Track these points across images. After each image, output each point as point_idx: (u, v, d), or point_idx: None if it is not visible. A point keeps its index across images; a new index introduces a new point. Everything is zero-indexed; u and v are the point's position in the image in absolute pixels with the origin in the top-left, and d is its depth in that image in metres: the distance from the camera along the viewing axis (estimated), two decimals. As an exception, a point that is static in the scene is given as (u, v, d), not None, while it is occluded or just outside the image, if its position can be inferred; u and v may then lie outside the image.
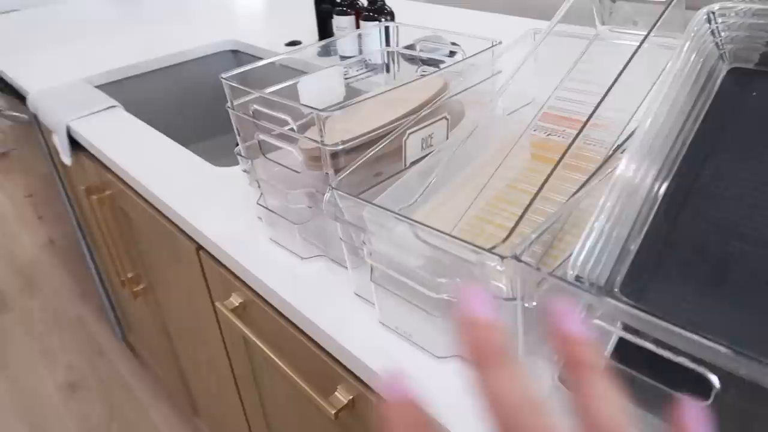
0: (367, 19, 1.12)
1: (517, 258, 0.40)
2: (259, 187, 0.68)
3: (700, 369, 0.33)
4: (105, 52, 1.40)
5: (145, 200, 0.90)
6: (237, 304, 0.74)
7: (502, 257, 0.41)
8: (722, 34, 0.43)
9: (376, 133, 0.59)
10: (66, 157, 1.11)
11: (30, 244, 2.34)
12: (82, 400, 1.66)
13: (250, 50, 1.43)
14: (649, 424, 0.40)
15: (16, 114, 1.39)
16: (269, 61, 0.70)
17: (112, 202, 1.09)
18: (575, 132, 0.55)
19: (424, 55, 0.83)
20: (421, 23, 0.83)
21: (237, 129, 0.66)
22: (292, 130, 0.59)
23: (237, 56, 1.49)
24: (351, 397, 0.59)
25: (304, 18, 1.51)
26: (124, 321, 1.63)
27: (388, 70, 0.86)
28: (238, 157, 0.68)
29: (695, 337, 0.32)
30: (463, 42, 0.76)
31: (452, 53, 0.80)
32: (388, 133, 0.59)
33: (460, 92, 0.66)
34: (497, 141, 0.68)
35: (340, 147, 0.56)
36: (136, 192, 0.92)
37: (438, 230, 0.46)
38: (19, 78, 1.29)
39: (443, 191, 0.63)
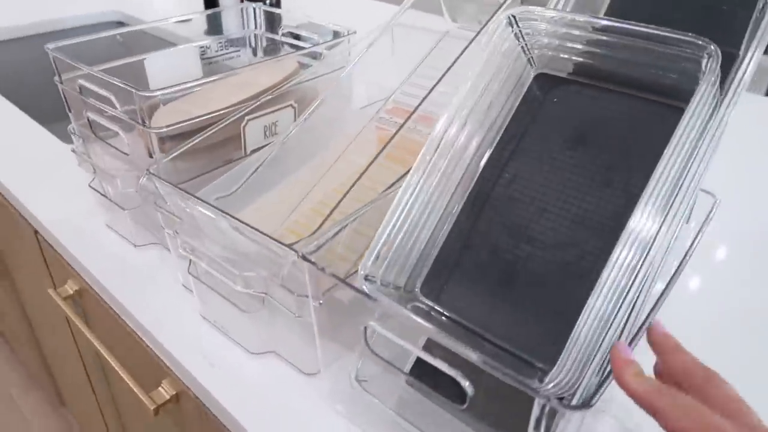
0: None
1: (305, 257, 0.39)
2: (94, 171, 0.64)
3: (456, 373, 0.33)
4: (-31, 14, 1.29)
5: (-14, 177, 0.83)
6: (72, 292, 0.69)
7: (299, 254, 0.40)
8: (528, 39, 0.43)
9: (209, 117, 0.56)
10: None
11: None
12: (-59, 388, 1.54)
13: (137, 24, 1.35)
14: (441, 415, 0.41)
15: None
16: (111, 33, 0.66)
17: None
18: (424, 129, 0.54)
19: (293, 41, 0.80)
20: (310, 9, 0.80)
21: (68, 105, 0.62)
22: (118, 110, 0.55)
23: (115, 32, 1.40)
24: (175, 392, 0.57)
25: (195, -7, 1.44)
26: (-9, 305, 1.52)
27: (255, 54, 0.83)
28: (72, 136, 0.64)
29: (451, 341, 0.32)
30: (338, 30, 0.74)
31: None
32: (223, 119, 0.56)
33: (310, 79, 0.64)
34: (347, 133, 0.67)
35: (163, 130, 0.53)
36: (-23, 168, 0.85)
37: (245, 223, 0.44)
38: None
39: (283, 182, 0.61)
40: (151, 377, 0.59)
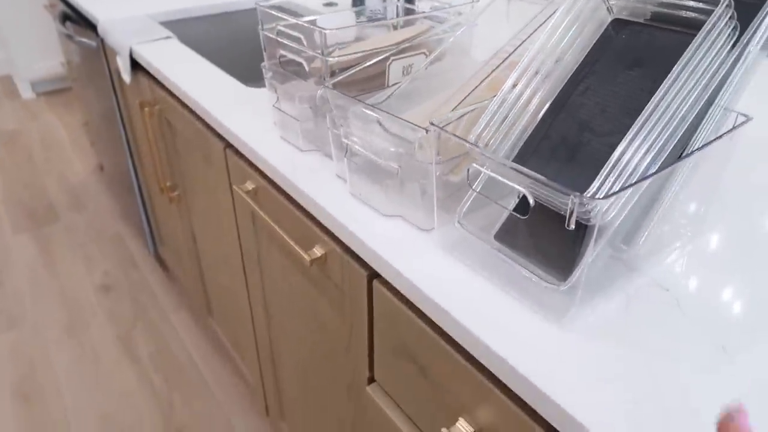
0: (391, -16, 1.31)
1: (432, 123, 0.58)
2: (276, 92, 0.87)
3: (526, 191, 0.51)
4: (167, -5, 1.62)
5: (188, 109, 1.10)
6: (250, 189, 0.94)
7: (427, 129, 0.60)
8: (606, -8, 0.60)
9: (364, 54, 0.78)
10: (126, 76, 1.33)
11: (81, 168, 2.59)
12: (113, 300, 1.90)
13: (293, 7, 1.63)
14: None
15: (85, 40, 1.62)
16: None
17: (161, 115, 1.30)
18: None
19: (424, 10, 1.01)
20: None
21: (264, 46, 0.86)
22: (302, 44, 0.78)
23: (282, 11, 1.68)
24: (324, 252, 0.79)
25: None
26: (157, 236, 1.86)
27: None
28: (263, 69, 0.88)
29: (523, 168, 0.50)
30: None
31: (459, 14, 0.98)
32: (373, 58, 0.77)
33: (435, 35, 0.84)
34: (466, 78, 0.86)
35: (334, 59, 0.75)
36: (181, 102, 1.13)
37: (389, 113, 0.64)
38: (89, 8, 1.51)
39: (421, 105, 0.81)
40: (306, 242, 0.82)
